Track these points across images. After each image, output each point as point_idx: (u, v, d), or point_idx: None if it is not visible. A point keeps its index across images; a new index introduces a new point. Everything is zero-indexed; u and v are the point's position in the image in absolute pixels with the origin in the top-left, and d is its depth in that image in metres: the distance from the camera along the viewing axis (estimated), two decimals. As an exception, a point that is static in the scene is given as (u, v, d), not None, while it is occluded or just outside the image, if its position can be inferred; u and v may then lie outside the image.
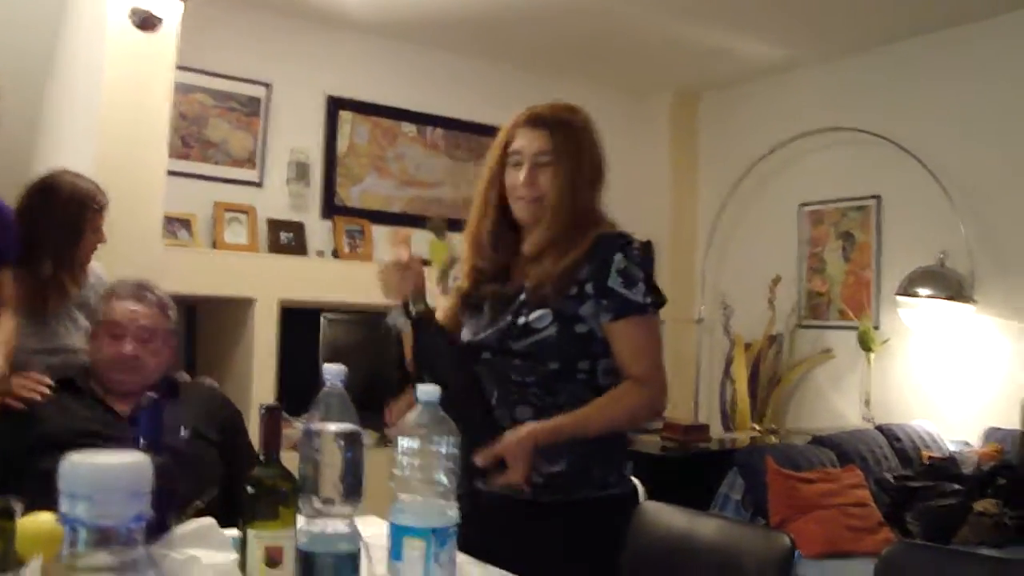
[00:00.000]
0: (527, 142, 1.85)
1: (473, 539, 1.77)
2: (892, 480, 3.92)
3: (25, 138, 5.22)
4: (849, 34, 4.98)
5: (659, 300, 1.80)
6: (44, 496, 1.76)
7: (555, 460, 1.71)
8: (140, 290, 2.22)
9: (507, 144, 1.89)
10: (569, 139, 1.83)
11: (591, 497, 1.76)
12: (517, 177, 1.84)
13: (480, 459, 1.61)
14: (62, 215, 2.49)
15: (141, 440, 1.37)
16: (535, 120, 1.86)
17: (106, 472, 0.44)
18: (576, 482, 1.74)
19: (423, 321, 1.75)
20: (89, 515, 0.45)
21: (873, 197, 5.11)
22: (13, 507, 1.03)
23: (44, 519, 1.47)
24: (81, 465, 0.45)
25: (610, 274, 1.77)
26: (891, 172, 4.97)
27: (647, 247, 1.87)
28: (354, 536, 1.23)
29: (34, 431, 2.01)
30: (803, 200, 5.47)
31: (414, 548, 1.20)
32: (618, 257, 1.78)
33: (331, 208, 5.11)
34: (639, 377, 1.74)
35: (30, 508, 1.87)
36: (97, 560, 0.45)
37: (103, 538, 0.46)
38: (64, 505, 0.46)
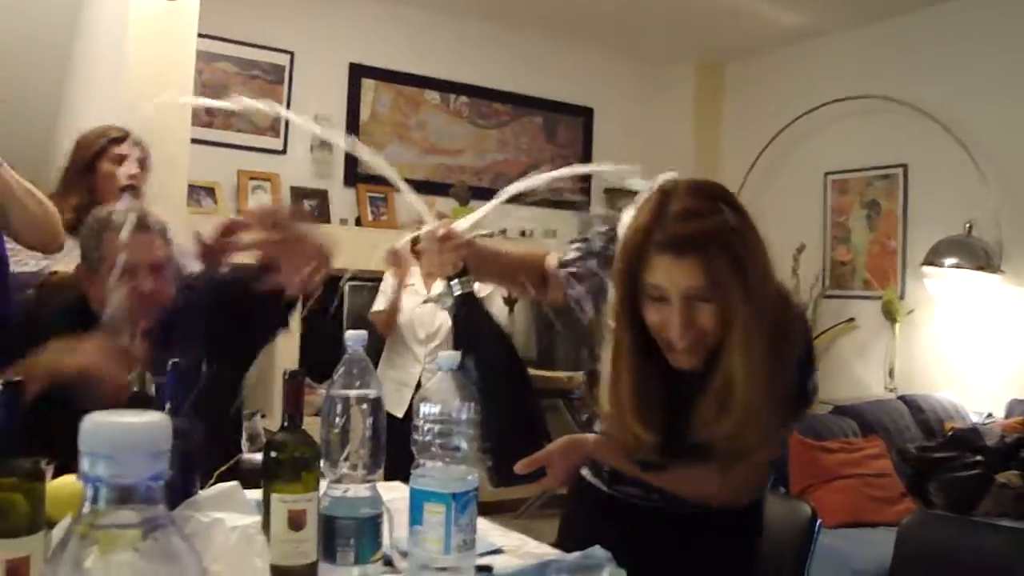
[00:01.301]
0: (670, 277, 1.35)
1: (595, 535, 1.63)
2: (914, 451, 3.91)
3: (51, 108, 5.25)
4: (876, 0, 4.91)
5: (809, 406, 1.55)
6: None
7: None
8: (139, 220, 2.02)
9: (631, 261, 1.40)
10: (731, 258, 1.32)
11: (729, 510, 1.60)
12: (663, 318, 1.39)
13: (521, 467, 1.46)
14: (73, 159, 2.72)
15: (166, 404, 1.39)
16: (679, 245, 1.34)
17: (126, 431, 0.45)
18: None
19: (466, 302, 1.56)
20: (109, 474, 0.45)
21: (899, 166, 5.05)
22: (43, 469, 1.04)
23: (73, 480, 1.50)
24: (102, 425, 0.45)
25: None
26: (918, 140, 4.91)
27: (811, 344, 1.54)
28: (376, 500, 1.25)
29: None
30: (828, 169, 5.43)
31: (434, 513, 1.21)
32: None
33: (354, 176, 5.12)
34: (732, 476, 1.50)
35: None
36: (119, 517, 0.46)
37: (124, 496, 0.47)
38: (85, 464, 0.46)
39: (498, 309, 2.88)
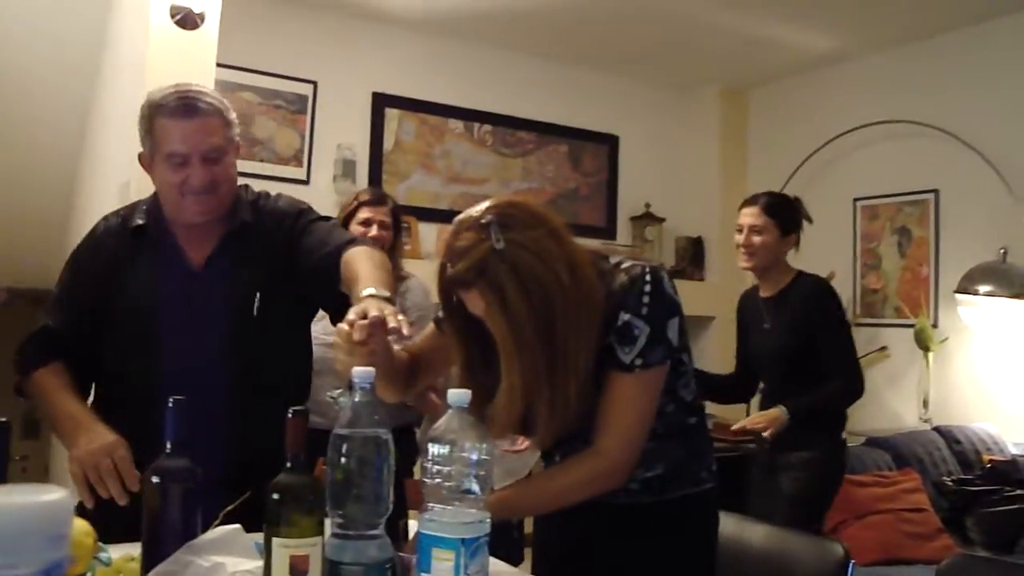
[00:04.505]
0: (471, 305, 1.54)
1: (564, 547, 1.79)
2: (951, 484, 3.80)
3: (75, 135, 5.30)
4: (903, 22, 4.84)
5: (651, 361, 1.56)
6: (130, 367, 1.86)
7: (652, 466, 1.65)
8: (192, 100, 1.85)
9: (444, 292, 1.61)
10: (495, 284, 1.46)
11: (688, 494, 1.71)
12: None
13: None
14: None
15: (167, 443, 1.34)
16: (458, 284, 1.52)
17: (13, 514, 0.37)
18: (673, 482, 1.69)
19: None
20: (-6, 564, 0.38)
21: (930, 191, 4.96)
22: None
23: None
24: None
25: (609, 334, 1.56)
26: (949, 165, 4.82)
27: (658, 293, 1.56)
28: (384, 544, 1.19)
29: (114, 296, 1.88)
30: (857, 195, 5.34)
31: (443, 559, 1.15)
32: (622, 316, 1.55)
33: (377, 205, 5.08)
34: (599, 449, 1.58)
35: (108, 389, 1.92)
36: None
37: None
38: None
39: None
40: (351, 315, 1.46)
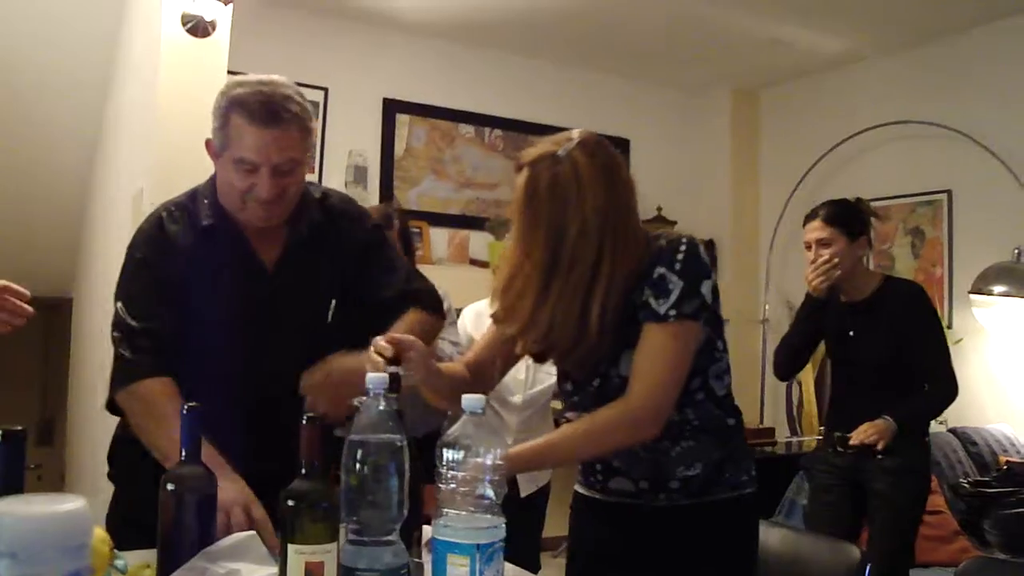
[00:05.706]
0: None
1: (601, 545, 1.78)
2: (968, 486, 3.77)
3: (88, 144, 5.32)
4: (915, 23, 4.82)
5: (685, 312, 1.59)
6: (198, 374, 1.71)
7: (692, 464, 1.66)
8: (276, 106, 1.71)
9: None
10: (533, 177, 1.69)
11: (728, 498, 1.70)
12: None
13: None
14: None
15: (182, 451, 1.34)
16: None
17: (32, 524, 0.37)
18: (712, 484, 1.68)
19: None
20: (13, 575, 0.37)
21: (944, 191, 4.93)
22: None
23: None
24: (2, 516, 0.37)
25: (644, 288, 1.61)
26: (962, 165, 4.79)
27: (693, 255, 1.62)
28: (399, 550, 1.19)
29: (193, 298, 1.78)
30: (870, 195, 5.31)
31: (458, 565, 1.14)
32: (657, 270, 1.61)
33: (389, 211, 5.09)
34: (630, 395, 1.59)
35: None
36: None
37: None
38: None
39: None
40: (380, 340, 1.52)
